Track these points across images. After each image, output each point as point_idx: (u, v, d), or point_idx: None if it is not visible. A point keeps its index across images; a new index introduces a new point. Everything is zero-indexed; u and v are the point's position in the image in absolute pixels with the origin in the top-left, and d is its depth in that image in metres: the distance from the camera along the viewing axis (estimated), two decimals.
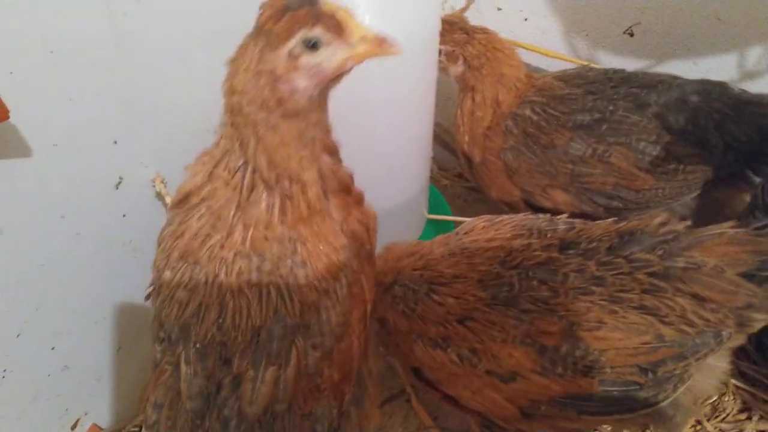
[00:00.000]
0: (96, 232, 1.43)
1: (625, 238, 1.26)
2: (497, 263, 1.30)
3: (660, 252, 1.22)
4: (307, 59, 0.88)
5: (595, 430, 1.56)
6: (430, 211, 2.12)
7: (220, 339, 0.94)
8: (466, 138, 1.86)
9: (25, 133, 1.19)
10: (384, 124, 1.64)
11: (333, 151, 1.02)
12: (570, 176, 1.69)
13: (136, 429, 1.60)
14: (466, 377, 1.25)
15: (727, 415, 1.63)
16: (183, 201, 1.01)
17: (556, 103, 1.73)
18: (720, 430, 1.60)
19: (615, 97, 1.68)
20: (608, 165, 1.65)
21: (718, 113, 1.61)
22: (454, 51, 1.80)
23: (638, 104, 1.66)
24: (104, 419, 1.60)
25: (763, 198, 1.37)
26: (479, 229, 1.41)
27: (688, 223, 1.29)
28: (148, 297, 1.06)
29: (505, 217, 1.44)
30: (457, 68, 1.83)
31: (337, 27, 0.88)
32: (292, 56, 0.88)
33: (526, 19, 2.10)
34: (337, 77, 0.93)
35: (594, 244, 1.28)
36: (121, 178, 1.48)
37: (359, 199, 1.10)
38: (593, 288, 1.21)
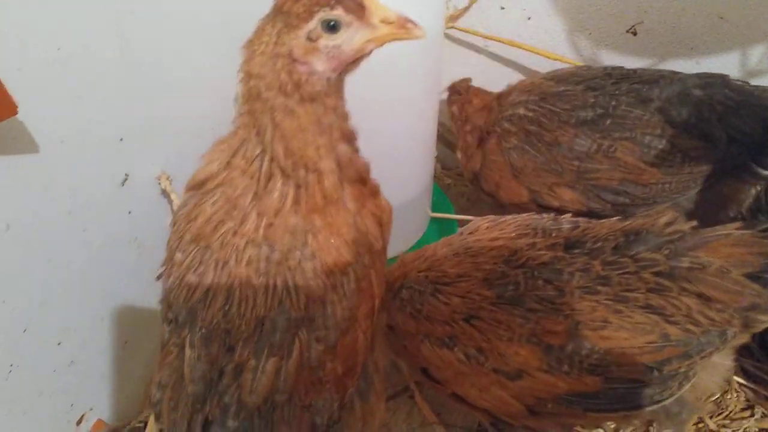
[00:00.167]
0: (102, 229, 1.44)
1: (630, 238, 1.27)
2: (502, 262, 1.30)
3: (666, 252, 1.22)
4: (327, 41, 0.86)
5: (600, 426, 1.57)
6: (434, 210, 2.13)
7: (225, 326, 0.93)
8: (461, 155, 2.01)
9: (33, 129, 1.18)
10: (388, 124, 1.64)
11: (351, 138, 0.99)
12: (576, 173, 1.68)
13: (141, 424, 1.60)
14: (473, 376, 1.26)
15: (730, 412, 1.64)
16: (199, 186, 1.00)
17: (554, 100, 1.73)
18: (723, 427, 1.61)
19: (617, 92, 1.68)
20: (614, 160, 1.64)
21: (721, 105, 1.60)
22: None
23: (641, 99, 1.65)
24: (109, 415, 1.60)
25: (767, 200, 1.38)
26: (483, 229, 1.42)
27: (694, 223, 1.29)
28: (159, 277, 1.06)
29: (509, 216, 1.44)
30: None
31: (358, 8, 0.86)
32: (311, 38, 0.85)
33: (529, 18, 2.10)
34: (356, 61, 0.91)
35: (599, 244, 1.28)
36: (127, 175, 1.48)
37: (375, 191, 1.06)
38: (599, 287, 1.21)
